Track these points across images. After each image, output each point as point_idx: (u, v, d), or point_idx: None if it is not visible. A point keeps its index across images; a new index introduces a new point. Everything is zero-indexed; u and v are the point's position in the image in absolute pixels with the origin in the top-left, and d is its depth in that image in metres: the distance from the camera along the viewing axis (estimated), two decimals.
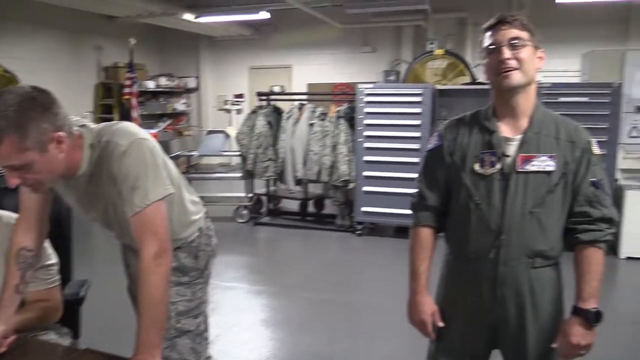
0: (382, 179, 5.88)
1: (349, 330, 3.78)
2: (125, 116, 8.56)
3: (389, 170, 5.83)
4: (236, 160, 8.35)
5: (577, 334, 1.63)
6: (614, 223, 1.68)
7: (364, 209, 6.08)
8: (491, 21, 1.65)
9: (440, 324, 1.78)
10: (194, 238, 1.99)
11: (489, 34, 1.65)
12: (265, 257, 5.75)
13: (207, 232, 2.07)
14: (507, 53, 1.59)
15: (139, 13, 8.90)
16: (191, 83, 11.96)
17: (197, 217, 2.00)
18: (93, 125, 1.72)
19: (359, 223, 6.23)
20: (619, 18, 9.01)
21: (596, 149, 1.69)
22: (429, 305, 1.79)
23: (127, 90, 8.77)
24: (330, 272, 5.19)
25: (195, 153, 7.50)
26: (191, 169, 7.83)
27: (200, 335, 2.00)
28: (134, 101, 8.75)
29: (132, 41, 8.45)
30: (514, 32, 1.61)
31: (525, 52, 1.61)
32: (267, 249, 6.12)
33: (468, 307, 1.75)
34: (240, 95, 11.49)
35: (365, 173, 6.00)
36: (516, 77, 1.61)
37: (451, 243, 1.82)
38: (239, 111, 11.47)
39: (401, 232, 5.74)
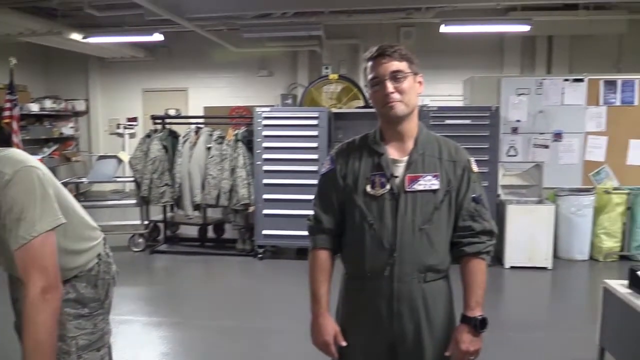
0: (282, 201, 5.93)
1: (253, 357, 3.73)
2: (6, 141, 7.92)
3: (288, 192, 5.89)
4: (130, 187, 8.03)
5: (466, 340, 1.74)
6: (494, 235, 1.83)
7: (264, 232, 6.07)
8: (372, 53, 1.75)
9: (343, 344, 1.82)
10: (92, 266, 1.91)
11: (370, 64, 1.75)
12: (163, 286, 5.54)
13: (107, 258, 1.99)
14: (390, 87, 1.71)
15: (20, 31, 8.35)
16: (80, 106, 11.38)
17: (94, 243, 1.93)
18: None
19: (260, 246, 6.21)
20: (495, 48, 9.90)
21: (475, 167, 1.84)
22: (331, 327, 1.83)
23: (7, 113, 8.12)
24: (233, 298, 5.11)
25: (85, 180, 7.11)
26: (81, 197, 7.40)
27: None
28: (14, 125, 8.14)
29: (13, 61, 7.89)
30: (395, 64, 1.71)
31: (406, 83, 1.73)
32: (166, 278, 5.90)
33: (367, 324, 1.80)
34: (133, 119, 11.17)
35: (265, 196, 6.01)
36: (400, 108, 1.73)
37: (348, 263, 1.88)
38: (132, 135, 11.16)
39: (303, 253, 5.79)
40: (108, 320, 1.98)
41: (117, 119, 11.31)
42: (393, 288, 1.75)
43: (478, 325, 1.74)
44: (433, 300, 1.78)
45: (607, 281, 3.16)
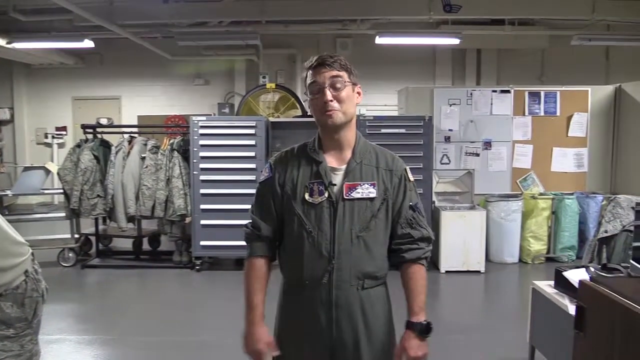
0: (220, 212, 5.84)
1: None
2: None
3: (226, 202, 5.82)
4: (59, 199, 7.68)
5: (414, 346, 1.76)
6: (431, 241, 1.88)
7: (202, 243, 5.96)
8: (313, 62, 1.77)
9: (275, 353, 1.79)
10: (19, 283, 1.80)
11: (310, 73, 1.76)
12: (96, 302, 5.30)
13: (35, 275, 1.88)
14: (329, 95, 1.72)
15: None
16: (3, 114, 10.79)
17: (22, 259, 1.82)
18: None
19: (198, 258, 6.09)
20: (428, 60, 10.24)
21: (411, 176, 1.88)
22: (264, 335, 1.80)
23: None
24: (170, 312, 4.96)
25: (9, 192, 6.73)
26: (5, 210, 6.99)
27: None
28: None
29: None
30: (334, 72, 1.74)
31: (345, 92, 1.75)
32: (98, 294, 5.66)
33: (307, 333, 1.79)
34: (62, 128, 10.73)
35: (203, 206, 5.91)
36: (338, 117, 1.75)
37: (286, 271, 1.87)
38: (61, 145, 10.73)
39: (242, 264, 5.66)
40: (36, 341, 1.89)
41: (45, 128, 10.83)
42: (332, 295, 1.76)
43: (424, 330, 1.77)
44: (371, 307, 1.80)
45: (536, 282, 3.31)
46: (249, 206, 1.92)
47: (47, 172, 6.95)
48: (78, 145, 6.32)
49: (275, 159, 1.89)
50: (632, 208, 3.61)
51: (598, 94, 7.00)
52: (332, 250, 1.75)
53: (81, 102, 10.87)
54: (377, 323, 1.81)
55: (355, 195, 1.77)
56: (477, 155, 6.91)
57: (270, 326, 1.87)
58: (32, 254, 1.92)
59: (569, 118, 6.92)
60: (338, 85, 1.73)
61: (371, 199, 1.78)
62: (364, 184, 1.78)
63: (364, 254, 1.77)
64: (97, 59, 10.50)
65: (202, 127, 5.94)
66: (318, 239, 1.75)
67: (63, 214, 6.38)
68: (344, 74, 1.75)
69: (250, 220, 1.89)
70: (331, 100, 1.72)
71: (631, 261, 2.56)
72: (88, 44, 8.16)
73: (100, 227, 6.73)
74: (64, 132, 10.75)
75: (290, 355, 1.82)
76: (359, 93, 1.81)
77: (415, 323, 1.78)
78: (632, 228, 3.18)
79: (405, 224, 1.83)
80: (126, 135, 6.44)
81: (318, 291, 1.76)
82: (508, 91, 6.94)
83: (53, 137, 10.74)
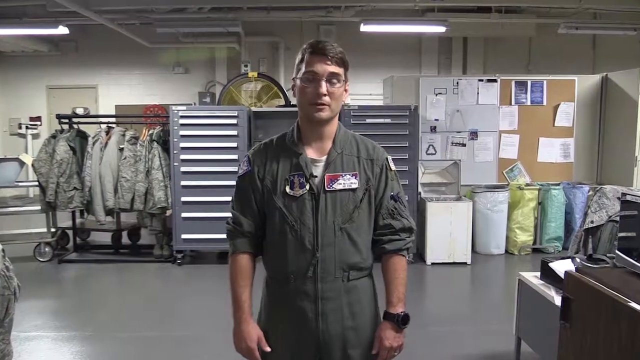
0: (201, 204, 5.82)
1: None
2: None
3: (207, 194, 5.79)
4: (34, 191, 7.59)
5: (390, 337, 1.79)
6: (413, 232, 1.90)
7: (183, 236, 5.94)
8: (316, 47, 1.73)
9: (267, 349, 1.81)
10: None
11: (308, 58, 1.73)
12: (74, 298, 5.26)
13: (6, 272, 1.86)
14: (324, 88, 1.71)
15: None
16: None
17: None
18: None
19: (179, 252, 6.07)
20: (414, 48, 10.25)
21: (392, 166, 1.89)
22: (254, 332, 1.81)
23: None
24: (150, 307, 4.94)
25: None
26: None
27: None
28: None
29: None
30: (334, 68, 1.73)
31: (339, 90, 1.75)
32: (76, 289, 5.61)
33: (293, 327, 1.80)
34: (37, 118, 10.59)
35: (184, 198, 5.88)
36: (326, 113, 1.75)
37: (270, 265, 1.87)
38: (35, 136, 10.59)
39: (224, 257, 5.66)
40: (8, 340, 1.87)
41: (19, 119, 10.67)
42: (317, 288, 1.77)
43: (400, 322, 1.79)
44: (357, 298, 1.81)
45: (522, 273, 3.35)
46: (230, 198, 1.91)
47: (22, 163, 6.86)
48: (53, 136, 6.25)
49: (253, 152, 1.88)
50: (618, 198, 3.66)
51: (585, 83, 7.07)
52: (316, 243, 1.75)
53: (56, 91, 10.72)
54: (363, 315, 1.83)
55: (337, 186, 1.77)
56: (464, 145, 6.96)
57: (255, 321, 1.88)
58: (3, 250, 1.89)
59: (556, 107, 6.99)
60: (334, 81, 1.73)
61: (353, 190, 1.79)
62: (345, 175, 1.79)
63: (348, 246, 1.78)
64: (72, 47, 10.36)
65: (182, 117, 5.89)
66: (301, 232, 1.76)
67: (39, 207, 6.31)
68: (342, 71, 1.75)
69: (231, 216, 1.88)
70: (325, 95, 1.72)
71: (617, 251, 2.59)
72: (62, 30, 8.04)
73: (78, 220, 6.67)
74: (38, 123, 10.62)
75: (276, 350, 1.82)
76: (346, 90, 1.81)
77: (392, 314, 1.80)
78: (617, 218, 3.22)
79: (387, 214, 1.84)
80: (103, 126, 6.37)
81: (303, 285, 1.77)
82: (495, 80, 6.99)
83: (27, 127, 10.59)
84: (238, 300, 1.83)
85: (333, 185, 1.77)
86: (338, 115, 1.84)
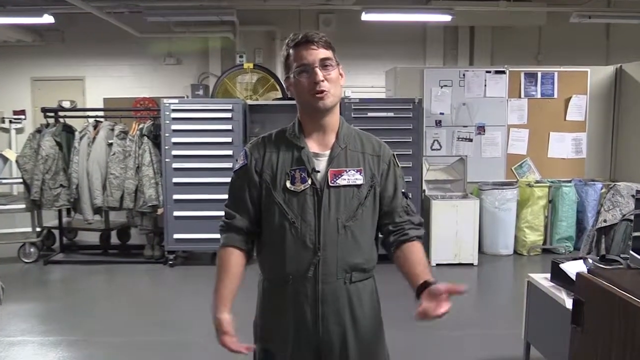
0: (195, 202, 5.82)
1: None
2: None
3: (201, 192, 5.79)
4: (19, 189, 7.60)
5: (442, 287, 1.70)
6: (423, 225, 1.92)
7: (175, 236, 5.95)
8: (297, 39, 1.75)
9: (245, 352, 1.75)
10: None
11: (295, 51, 1.75)
12: (60, 301, 5.27)
13: None
14: (320, 75, 1.72)
15: None
16: None
17: None
18: None
19: (171, 252, 6.08)
20: (418, 38, 10.25)
21: (398, 162, 1.90)
22: (224, 320, 1.74)
23: None
24: (141, 310, 4.95)
25: None
26: None
27: None
28: None
29: None
30: (322, 52, 1.74)
31: (334, 73, 1.76)
32: (63, 291, 5.62)
33: (291, 331, 1.80)
34: (20, 112, 10.60)
35: (176, 196, 5.88)
36: (329, 99, 1.75)
37: (267, 266, 1.86)
38: (19, 130, 10.60)
39: None
40: None
41: (2, 112, 10.70)
42: (317, 290, 1.76)
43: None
44: (359, 301, 1.81)
45: (531, 275, 3.35)
46: (225, 196, 1.91)
47: (5, 160, 6.87)
48: (38, 131, 6.26)
49: (251, 146, 1.88)
50: (633, 196, 3.66)
51: (598, 75, 7.07)
52: (317, 242, 1.75)
53: (41, 83, 10.74)
54: (365, 319, 1.83)
55: (341, 182, 1.78)
56: (470, 140, 6.95)
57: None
58: None
59: (567, 100, 6.99)
60: (327, 64, 1.74)
61: (358, 186, 1.79)
62: (349, 170, 1.79)
63: (351, 245, 1.78)
64: (58, 36, 10.37)
65: (174, 110, 5.89)
66: (302, 230, 1.75)
67: (23, 206, 6.32)
68: (331, 53, 1.76)
69: (225, 212, 1.88)
70: (322, 80, 1.72)
71: (631, 252, 2.60)
72: (48, 19, 8.04)
73: (64, 219, 6.67)
74: (22, 116, 10.63)
75: (274, 355, 1.82)
76: (341, 74, 1.82)
77: (433, 282, 1.71)
78: (632, 217, 3.23)
79: (402, 211, 1.86)
80: (91, 120, 6.36)
81: (303, 286, 1.77)
82: (503, 72, 6.98)
83: (10, 121, 10.61)
84: (215, 293, 1.80)
85: (337, 181, 1.77)
86: (339, 108, 1.84)
